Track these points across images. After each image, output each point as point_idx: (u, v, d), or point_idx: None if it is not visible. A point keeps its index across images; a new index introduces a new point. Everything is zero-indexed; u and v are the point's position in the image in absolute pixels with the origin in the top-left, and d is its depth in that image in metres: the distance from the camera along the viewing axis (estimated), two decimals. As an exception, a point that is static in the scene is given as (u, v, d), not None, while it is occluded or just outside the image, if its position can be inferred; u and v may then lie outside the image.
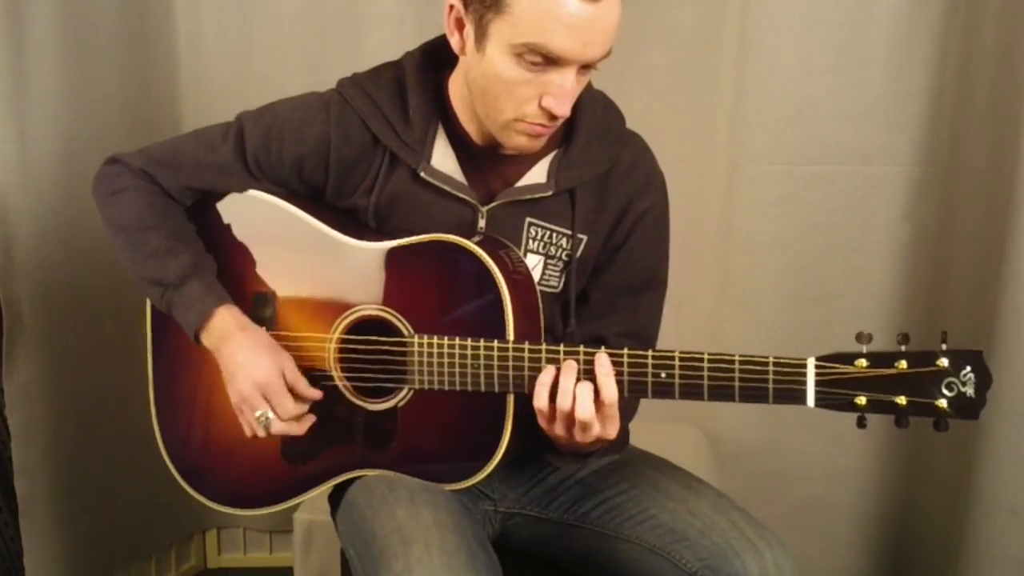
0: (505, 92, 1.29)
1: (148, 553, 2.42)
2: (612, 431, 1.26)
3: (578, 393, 1.23)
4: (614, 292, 1.47)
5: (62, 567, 2.09)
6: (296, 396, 1.39)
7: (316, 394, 1.40)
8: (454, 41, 1.32)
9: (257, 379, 1.37)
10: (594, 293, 1.48)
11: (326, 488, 1.47)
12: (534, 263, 1.43)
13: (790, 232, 2.20)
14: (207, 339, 1.41)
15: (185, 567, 2.56)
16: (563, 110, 1.27)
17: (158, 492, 2.11)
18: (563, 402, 1.24)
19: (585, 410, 1.23)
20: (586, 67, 1.26)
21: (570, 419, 1.24)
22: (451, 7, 1.30)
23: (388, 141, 1.41)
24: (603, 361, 1.24)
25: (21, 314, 1.95)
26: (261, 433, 1.38)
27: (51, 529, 2.06)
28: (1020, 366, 1.78)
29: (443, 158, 1.41)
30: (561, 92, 1.26)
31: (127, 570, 2.35)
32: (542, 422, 1.28)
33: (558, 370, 1.25)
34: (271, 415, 1.37)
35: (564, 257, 1.44)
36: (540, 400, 1.25)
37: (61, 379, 2.04)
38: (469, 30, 1.29)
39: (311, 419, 1.41)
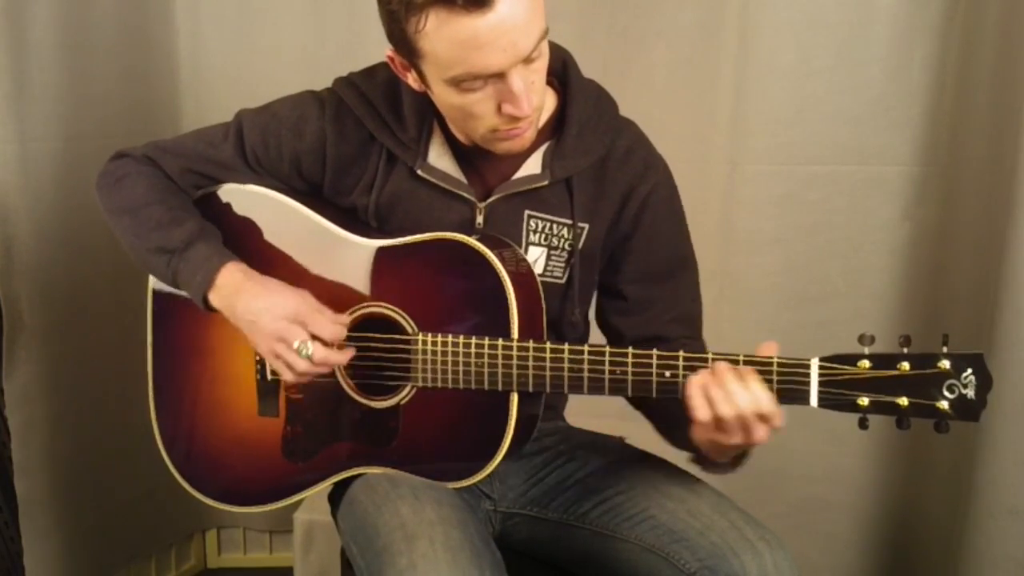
0: (465, 115, 1.31)
1: (148, 553, 2.42)
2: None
3: (754, 389, 1.19)
4: (646, 283, 1.48)
5: (62, 567, 2.09)
6: None
7: (345, 319, 1.38)
8: (410, 81, 1.33)
9: (285, 313, 1.34)
10: (627, 288, 1.48)
11: (327, 485, 1.47)
12: (536, 255, 1.43)
13: (790, 232, 2.19)
14: (217, 299, 1.38)
15: (185, 567, 2.56)
16: (525, 109, 1.27)
17: (158, 492, 2.12)
18: (739, 403, 1.19)
19: (767, 402, 1.19)
20: (528, 59, 1.25)
21: (745, 418, 1.19)
22: (391, 58, 1.32)
23: (384, 139, 1.42)
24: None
25: (21, 313, 1.94)
26: (302, 366, 1.34)
27: (51, 529, 2.06)
28: (1020, 366, 1.78)
29: (439, 155, 1.42)
30: (514, 96, 1.25)
31: (127, 570, 2.35)
32: (709, 434, 1.23)
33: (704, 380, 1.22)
34: (311, 344, 1.33)
35: (567, 247, 1.44)
36: (704, 412, 1.20)
37: (61, 379, 2.04)
38: (413, 72, 1.31)
39: (351, 350, 1.39)
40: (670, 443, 1.43)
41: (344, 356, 1.38)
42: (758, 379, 1.19)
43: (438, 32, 1.20)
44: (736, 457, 1.33)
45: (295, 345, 1.33)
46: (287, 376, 1.37)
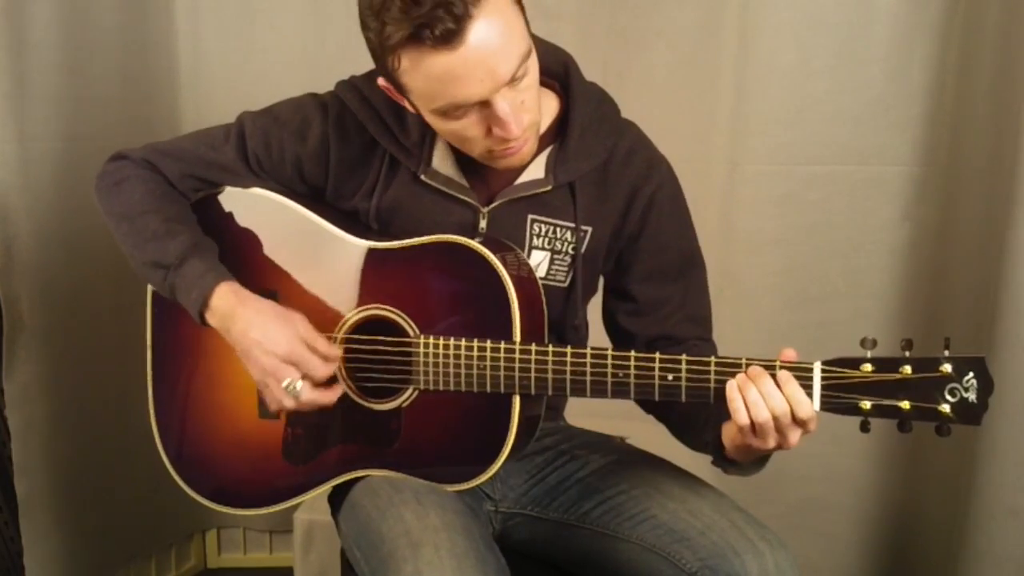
0: (459, 139, 1.31)
1: (148, 553, 2.42)
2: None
3: (791, 394, 1.18)
4: (656, 283, 1.48)
5: (62, 567, 2.09)
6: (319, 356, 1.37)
7: (337, 352, 1.38)
8: (407, 106, 1.34)
9: (278, 351, 1.33)
10: (636, 288, 1.48)
11: (327, 488, 1.47)
12: (540, 259, 1.43)
13: (790, 232, 2.20)
14: (212, 319, 1.38)
15: (185, 567, 2.56)
16: (513, 131, 1.26)
17: (158, 492, 2.10)
18: (776, 406, 1.18)
19: (806, 406, 1.18)
20: (512, 80, 1.23)
21: (781, 422, 1.19)
22: (385, 88, 1.32)
23: (387, 144, 1.42)
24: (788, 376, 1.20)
25: (21, 313, 1.94)
26: (289, 404, 1.34)
27: (51, 529, 2.06)
28: (1020, 367, 1.79)
29: (442, 160, 1.41)
30: (501, 121, 1.25)
31: (127, 570, 2.35)
32: (745, 438, 1.22)
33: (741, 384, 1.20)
34: (299, 384, 1.33)
35: (570, 251, 1.44)
36: (743, 417, 1.19)
37: (61, 379, 2.04)
38: (406, 100, 1.31)
39: (340, 388, 1.39)
40: (687, 445, 1.43)
41: (332, 397, 1.38)
42: (796, 383, 1.19)
43: (414, 70, 1.20)
44: (758, 459, 1.32)
45: (284, 384, 1.33)
46: (272, 409, 1.38)
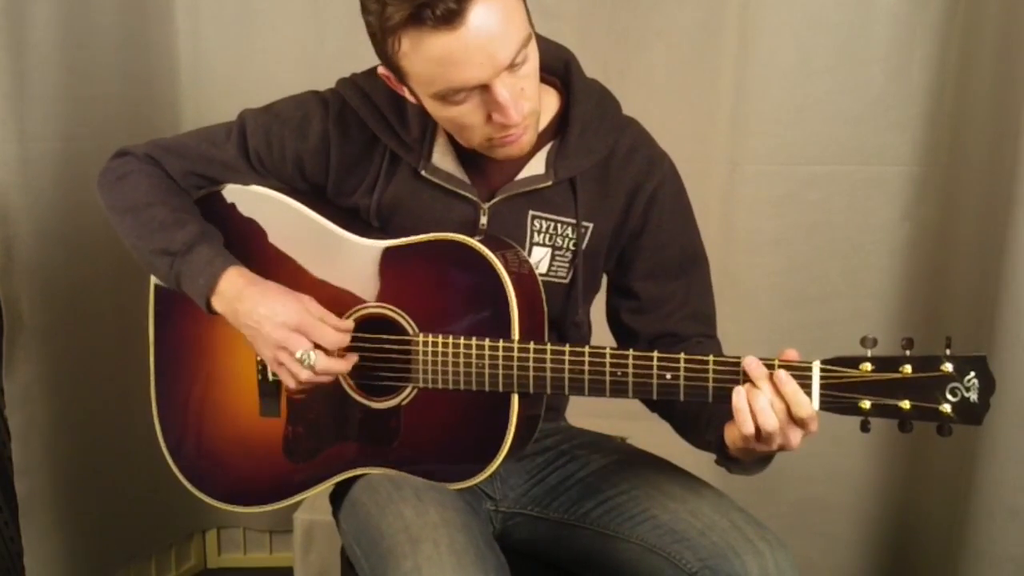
0: (458, 126, 1.31)
1: (148, 553, 2.42)
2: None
3: (790, 393, 1.18)
4: (659, 280, 1.47)
5: (62, 567, 2.09)
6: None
7: (348, 324, 1.38)
8: (407, 95, 1.34)
9: (287, 321, 1.33)
10: (639, 286, 1.48)
11: (327, 486, 1.47)
12: (541, 256, 1.43)
13: (790, 232, 2.20)
14: (219, 303, 1.38)
15: (185, 567, 2.56)
16: (513, 118, 1.26)
17: (158, 492, 2.11)
18: (777, 407, 1.18)
19: (808, 407, 1.18)
20: (511, 66, 1.23)
21: (784, 425, 1.19)
22: (385, 76, 1.32)
23: (387, 140, 1.42)
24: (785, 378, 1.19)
25: (21, 313, 1.95)
26: (305, 376, 1.33)
27: (51, 529, 2.06)
28: (1020, 366, 1.78)
29: (443, 156, 1.42)
30: (500, 106, 1.25)
31: (127, 570, 2.35)
32: (749, 443, 1.22)
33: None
34: (313, 353, 1.33)
35: (571, 247, 1.44)
36: (748, 427, 1.18)
37: (61, 379, 2.04)
38: (405, 88, 1.31)
39: (354, 357, 1.39)
40: (690, 443, 1.43)
41: (347, 364, 1.38)
42: (795, 383, 1.18)
43: (414, 52, 1.20)
44: (761, 458, 1.31)
45: (298, 355, 1.33)
46: (290, 384, 1.37)
